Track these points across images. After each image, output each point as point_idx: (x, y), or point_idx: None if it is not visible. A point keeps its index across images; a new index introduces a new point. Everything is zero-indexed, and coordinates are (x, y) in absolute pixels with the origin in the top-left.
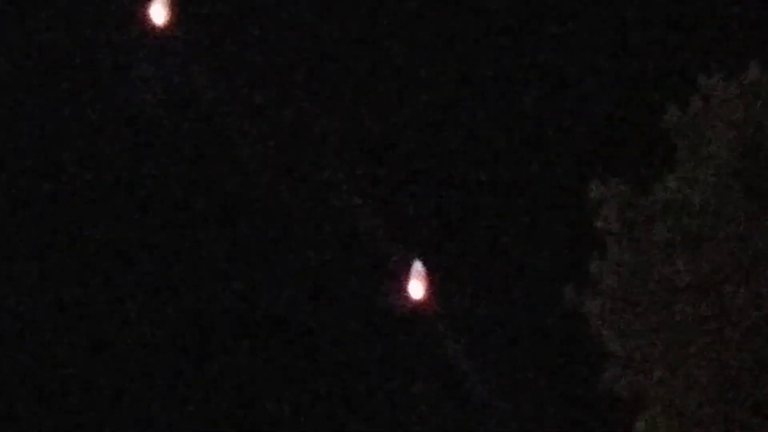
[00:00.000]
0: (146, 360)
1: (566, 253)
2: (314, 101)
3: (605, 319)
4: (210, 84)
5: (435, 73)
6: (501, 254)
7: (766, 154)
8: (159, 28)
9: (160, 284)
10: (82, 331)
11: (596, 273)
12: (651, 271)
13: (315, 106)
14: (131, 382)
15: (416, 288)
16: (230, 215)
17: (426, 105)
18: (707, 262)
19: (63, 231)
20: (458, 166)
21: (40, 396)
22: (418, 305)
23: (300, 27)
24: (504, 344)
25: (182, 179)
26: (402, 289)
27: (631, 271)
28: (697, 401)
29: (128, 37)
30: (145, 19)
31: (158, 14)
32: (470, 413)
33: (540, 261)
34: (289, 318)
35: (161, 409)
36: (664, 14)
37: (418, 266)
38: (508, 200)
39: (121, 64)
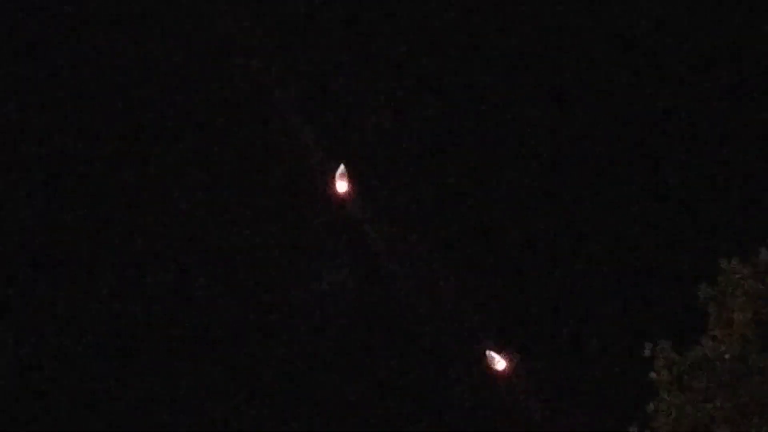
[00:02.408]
0: None
1: (628, 397)
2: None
3: None
4: (386, 247)
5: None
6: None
7: None
8: (342, 196)
9: None
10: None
11: (652, 413)
12: (694, 410)
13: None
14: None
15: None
16: None
17: None
18: (738, 401)
19: None
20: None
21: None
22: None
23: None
24: None
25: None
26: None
27: (679, 411)
28: None
29: (318, 206)
30: (332, 191)
31: (342, 186)
32: None
33: (607, 407)
34: None
35: None
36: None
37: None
38: (580, 360)
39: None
